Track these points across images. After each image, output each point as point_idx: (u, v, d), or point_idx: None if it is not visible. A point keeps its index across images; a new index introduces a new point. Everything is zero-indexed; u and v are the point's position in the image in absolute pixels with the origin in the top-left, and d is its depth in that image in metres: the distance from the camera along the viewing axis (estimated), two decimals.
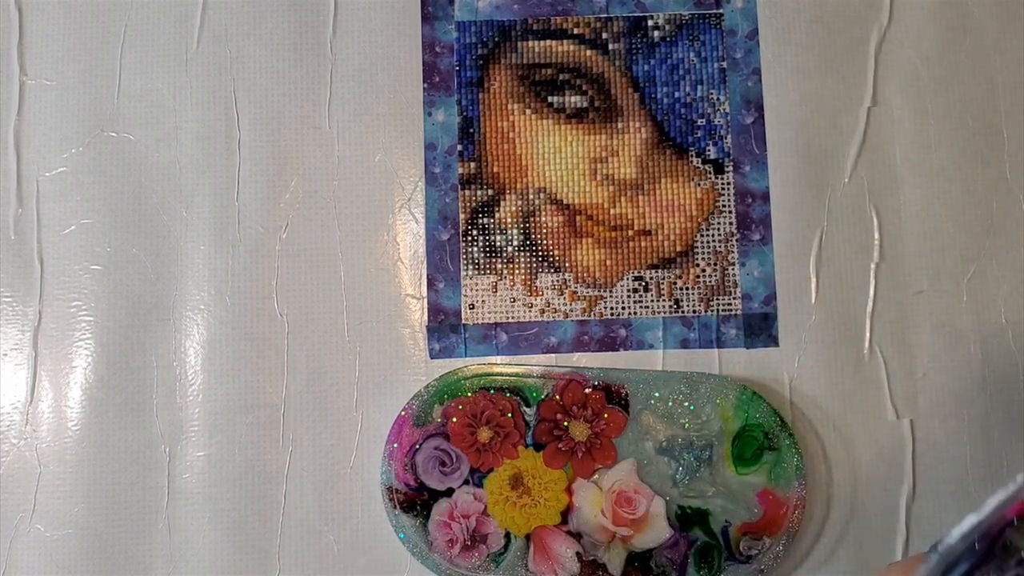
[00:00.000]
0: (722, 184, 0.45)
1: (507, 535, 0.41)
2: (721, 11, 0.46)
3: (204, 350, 0.43)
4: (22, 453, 0.43)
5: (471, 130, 0.45)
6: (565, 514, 0.41)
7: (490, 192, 0.45)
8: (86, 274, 0.44)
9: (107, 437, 0.43)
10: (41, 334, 0.44)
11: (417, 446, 0.41)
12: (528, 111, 0.45)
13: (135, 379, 0.43)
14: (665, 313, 0.44)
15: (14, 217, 0.44)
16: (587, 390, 0.41)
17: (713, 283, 0.44)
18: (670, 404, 0.41)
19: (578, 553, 0.41)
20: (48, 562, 0.42)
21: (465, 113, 0.45)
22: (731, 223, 0.44)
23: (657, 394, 0.42)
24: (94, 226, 0.44)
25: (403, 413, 0.41)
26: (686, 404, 0.41)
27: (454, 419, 0.41)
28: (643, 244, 0.44)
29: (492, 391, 0.42)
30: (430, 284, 0.44)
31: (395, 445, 0.41)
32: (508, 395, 0.41)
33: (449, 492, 0.41)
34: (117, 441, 0.43)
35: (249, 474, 0.43)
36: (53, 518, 0.42)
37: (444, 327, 0.44)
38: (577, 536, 0.41)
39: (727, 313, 0.44)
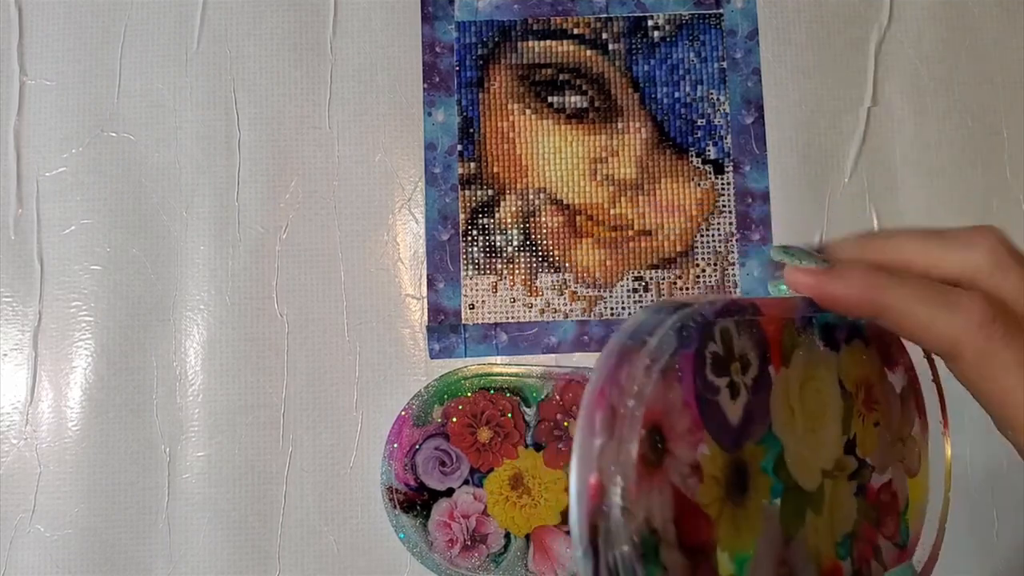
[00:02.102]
0: (722, 184, 0.45)
1: (507, 535, 0.41)
2: (721, 11, 0.46)
3: (204, 350, 0.43)
4: (22, 453, 0.43)
5: (471, 130, 0.45)
6: (565, 514, 0.41)
7: (490, 192, 0.45)
8: (86, 274, 0.44)
9: (107, 437, 0.43)
10: (41, 334, 0.44)
11: (417, 446, 0.41)
12: (528, 111, 0.45)
13: (135, 379, 0.43)
14: None
15: (14, 217, 0.44)
16: None
17: (713, 283, 0.44)
18: None
19: None
20: (48, 562, 0.42)
21: (465, 113, 0.45)
22: (731, 223, 0.44)
23: None
24: (94, 226, 0.44)
25: (403, 413, 0.41)
26: None
27: (454, 419, 0.41)
28: (643, 244, 0.44)
29: (492, 391, 0.42)
30: (430, 284, 0.44)
31: (395, 445, 0.41)
32: (508, 395, 0.41)
33: (449, 492, 0.41)
34: (117, 441, 0.43)
35: (249, 474, 0.43)
36: (53, 518, 0.42)
37: (444, 327, 0.44)
38: None
39: None
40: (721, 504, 0.26)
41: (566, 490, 0.41)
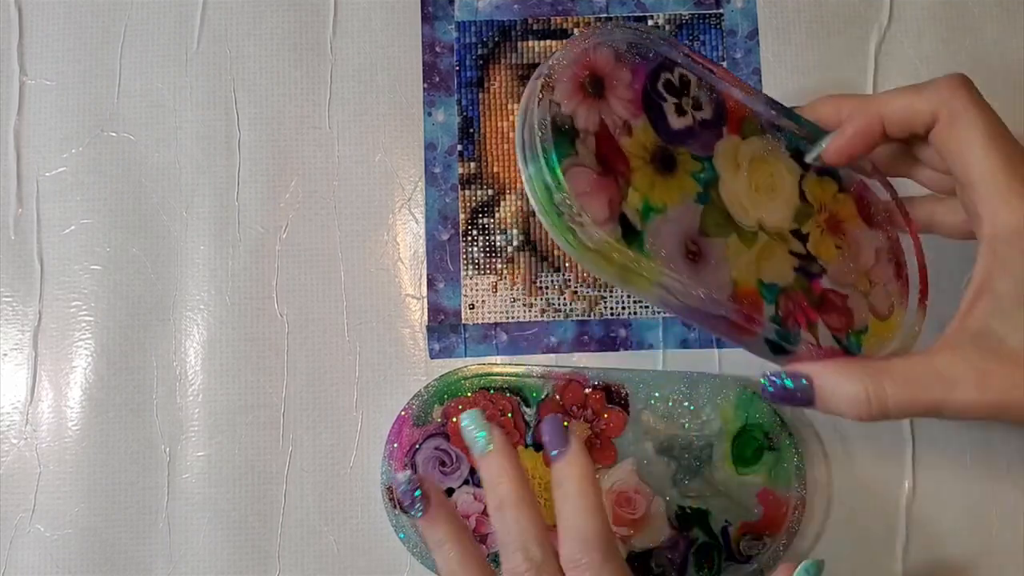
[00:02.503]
0: None
1: None
2: (721, 11, 0.46)
3: (204, 350, 0.43)
4: (22, 453, 0.43)
5: (471, 130, 0.45)
6: None
7: (490, 192, 0.45)
8: (86, 274, 0.44)
9: (107, 437, 0.43)
10: (41, 334, 0.44)
11: (417, 446, 0.41)
12: None
13: (135, 379, 0.43)
14: (665, 313, 0.44)
15: (14, 217, 0.44)
16: (587, 390, 0.41)
17: None
18: (670, 404, 0.41)
19: None
20: (48, 562, 0.42)
21: (465, 113, 0.45)
22: None
23: (657, 394, 0.42)
24: (94, 226, 0.44)
25: (403, 413, 0.41)
26: (686, 404, 0.41)
27: (454, 419, 0.41)
28: None
29: (492, 391, 0.42)
30: (430, 284, 0.44)
31: (395, 445, 0.41)
32: (508, 395, 0.41)
33: (449, 492, 0.41)
34: (117, 441, 0.43)
35: (249, 474, 0.43)
36: (53, 518, 0.42)
37: (444, 327, 0.44)
38: None
39: None
40: (643, 160, 0.30)
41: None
